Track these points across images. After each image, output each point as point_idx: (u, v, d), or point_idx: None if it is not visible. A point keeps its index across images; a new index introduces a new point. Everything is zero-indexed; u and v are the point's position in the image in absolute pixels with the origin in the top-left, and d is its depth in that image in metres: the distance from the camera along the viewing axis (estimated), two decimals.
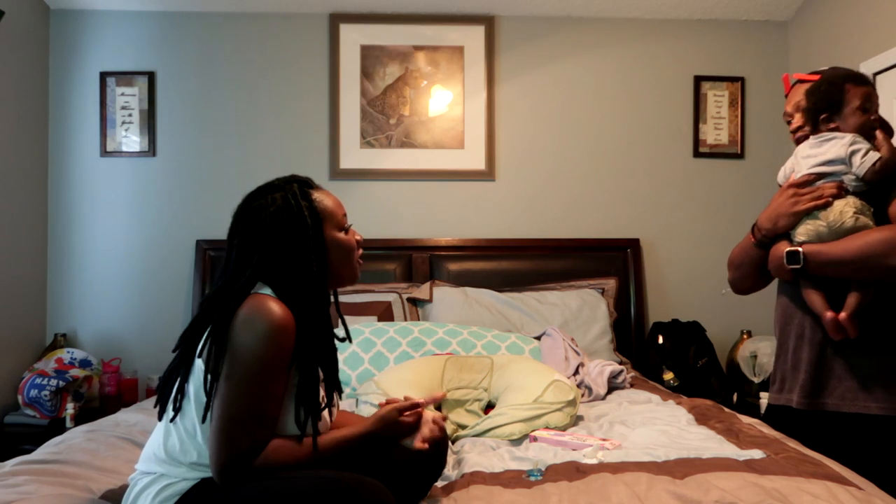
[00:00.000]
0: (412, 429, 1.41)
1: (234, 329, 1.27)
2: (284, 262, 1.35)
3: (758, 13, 3.45)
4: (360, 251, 1.48)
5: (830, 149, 1.66)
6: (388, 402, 1.45)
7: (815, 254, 1.62)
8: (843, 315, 1.60)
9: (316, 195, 1.42)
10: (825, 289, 1.65)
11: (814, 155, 1.69)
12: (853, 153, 1.62)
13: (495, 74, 3.42)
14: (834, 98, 1.69)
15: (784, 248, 1.67)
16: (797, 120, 1.81)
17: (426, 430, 1.41)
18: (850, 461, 1.59)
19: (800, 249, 1.64)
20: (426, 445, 1.39)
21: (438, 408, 2.20)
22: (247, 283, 1.33)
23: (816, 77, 1.78)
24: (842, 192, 1.63)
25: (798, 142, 1.81)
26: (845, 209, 1.61)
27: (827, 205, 1.63)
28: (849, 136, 1.65)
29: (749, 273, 1.84)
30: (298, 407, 1.32)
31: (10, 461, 1.66)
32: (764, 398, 2.87)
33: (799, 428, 1.76)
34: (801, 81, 1.83)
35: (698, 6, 3.40)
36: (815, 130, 1.73)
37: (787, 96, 1.89)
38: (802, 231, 1.66)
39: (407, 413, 1.40)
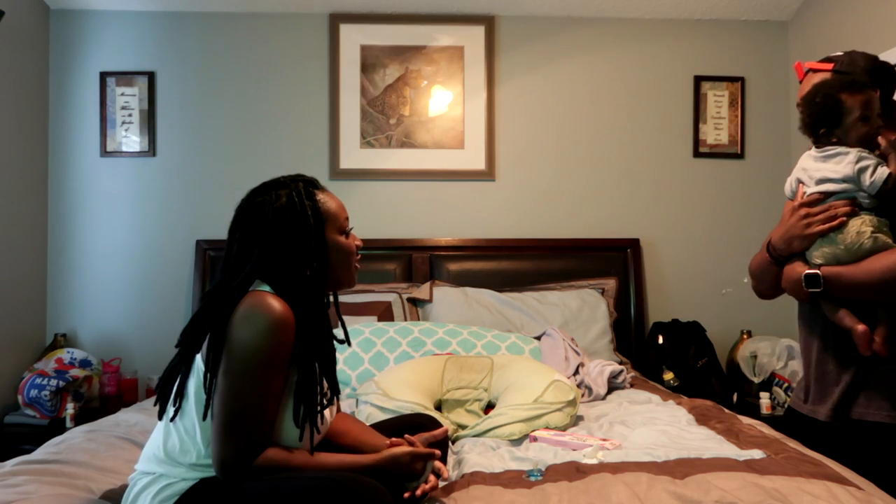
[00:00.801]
0: (418, 475, 1.41)
1: (233, 325, 1.27)
2: (284, 261, 1.35)
3: (758, 13, 3.45)
4: (359, 256, 1.48)
5: (836, 167, 1.59)
6: (395, 444, 1.44)
7: (836, 277, 1.55)
8: (876, 341, 1.54)
9: (320, 196, 1.42)
10: (847, 305, 1.58)
11: (819, 170, 1.62)
12: (861, 171, 1.55)
13: (495, 74, 3.42)
14: (831, 111, 1.60)
15: (800, 269, 1.61)
16: None
17: (423, 481, 1.41)
18: (878, 471, 1.55)
19: (819, 273, 1.57)
20: (409, 495, 1.39)
21: (439, 408, 2.20)
22: (246, 279, 1.33)
23: (830, 66, 1.70)
24: (854, 209, 1.56)
25: None
26: (862, 229, 1.54)
27: (841, 225, 1.56)
28: (853, 153, 1.58)
29: (771, 284, 1.78)
30: (298, 405, 1.32)
31: (10, 461, 1.66)
32: (764, 398, 2.87)
33: (825, 440, 1.69)
34: (814, 70, 1.75)
35: (698, 6, 3.40)
36: (818, 142, 1.66)
37: (801, 82, 1.81)
38: (819, 254, 1.59)
39: (419, 461, 1.40)
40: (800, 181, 1.69)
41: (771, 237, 1.72)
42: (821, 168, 1.62)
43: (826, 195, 1.61)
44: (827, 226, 1.57)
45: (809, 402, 1.72)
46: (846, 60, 1.71)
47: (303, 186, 1.40)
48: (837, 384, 1.63)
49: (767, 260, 1.73)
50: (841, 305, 1.58)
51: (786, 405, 2.63)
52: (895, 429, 1.56)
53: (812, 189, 1.63)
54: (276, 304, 1.28)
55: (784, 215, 1.71)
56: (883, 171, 1.54)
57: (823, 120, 1.61)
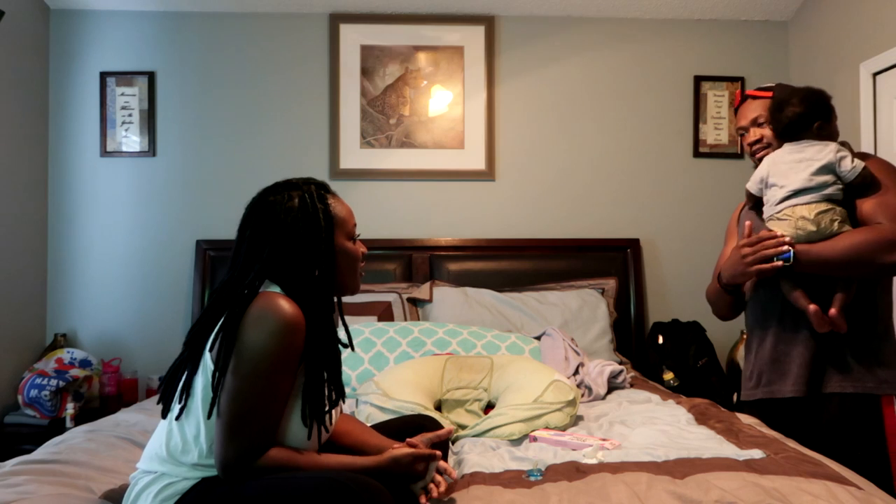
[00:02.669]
0: (420, 476, 1.41)
1: (245, 325, 1.27)
2: (294, 262, 1.35)
3: (758, 13, 3.45)
4: (363, 263, 1.49)
5: (817, 154, 1.79)
6: (402, 445, 1.45)
7: (805, 252, 1.74)
8: (832, 311, 1.72)
9: (331, 200, 1.42)
10: (803, 285, 1.78)
11: (798, 160, 1.80)
12: (842, 159, 1.77)
13: (495, 74, 3.42)
14: (827, 107, 1.84)
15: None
16: (753, 134, 1.95)
17: (430, 483, 1.42)
18: (858, 438, 1.76)
19: (791, 249, 1.75)
20: (434, 495, 1.40)
21: (438, 408, 2.20)
22: (256, 278, 1.33)
23: (769, 94, 1.93)
24: (784, 244, 1.75)
25: (754, 154, 1.96)
26: (834, 217, 1.75)
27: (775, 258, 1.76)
28: (833, 144, 1.81)
29: (725, 307, 2.04)
30: (305, 406, 1.32)
31: (10, 461, 1.66)
32: None
33: (793, 416, 1.87)
34: (753, 97, 1.97)
35: (698, 6, 3.40)
36: (796, 137, 1.84)
37: (736, 109, 2.04)
38: (793, 234, 1.77)
39: (420, 462, 1.40)
40: (768, 173, 1.86)
41: (721, 268, 1.95)
42: (801, 158, 1.80)
43: (793, 194, 1.78)
44: (759, 267, 1.77)
45: (764, 383, 1.89)
46: (780, 89, 1.95)
47: (315, 189, 1.41)
48: (795, 360, 1.81)
49: (718, 288, 1.98)
50: (799, 286, 1.78)
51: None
52: (870, 398, 1.76)
53: (791, 182, 1.79)
54: (287, 306, 1.28)
55: (732, 253, 1.90)
56: (859, 162, 1.77)
57: (821, 114, 1.82)
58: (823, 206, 1.75)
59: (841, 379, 1.78)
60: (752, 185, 1.92)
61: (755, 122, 1.95)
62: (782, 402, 1.87)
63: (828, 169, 1.77)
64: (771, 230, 1.80)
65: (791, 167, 1.80)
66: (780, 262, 1.75)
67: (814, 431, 1.82)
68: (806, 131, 1.83)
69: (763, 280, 1.87)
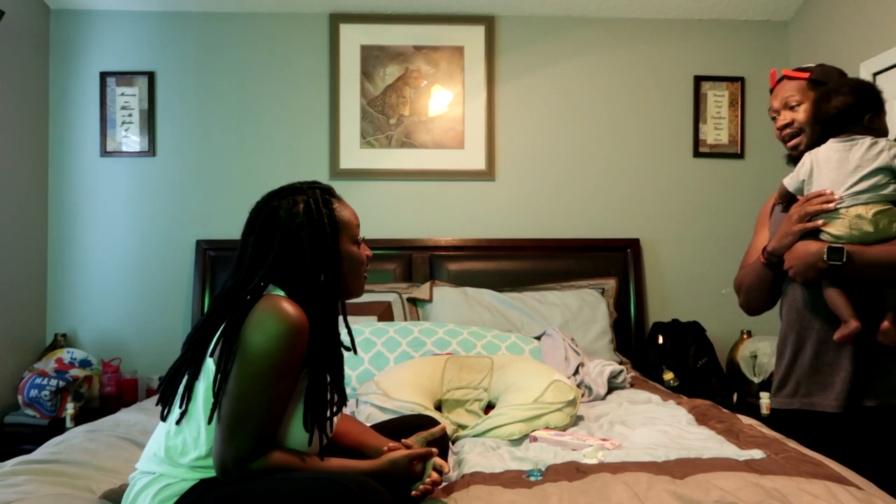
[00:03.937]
0: (418, 477, 1.40)
1: (248, 328, 1.27)
2: (299, 267, 1.35)
3: (758, 13, 3.45)
4: (368, 266, 1.48)
5: (868, 152, 1.65)
6: (393, 449, 1.44)
7: (860, 253, 1.61)
8: (885, 325, 1.61)
9: (336, 205, 1.42)
10: (847, 293, 1.65)
11: (846, 159, 1.67)
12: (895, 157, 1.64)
13: (495, 74, 3.42)
14: (879, 100, 1.70)
15: (815, 246, 1.65)
16: (783, 117, 1.83)
17: (427, 478, 1.41)
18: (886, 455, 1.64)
19: (844, 247, 1.62)
20: (417, 493, 1.40)
21: (439, 408, 2.20)
22: (260, 282, 1.33)
23: (806, 74, 1.81)
24: (830, 204, 1.65)
25: (785, 139, 1.84)
26: (893, 219, 1.63)
27: (830, 214, 1.65)
28: (882, 141, 1.66)
29: (762, 293, 1.86)
30: (307, 410, 1.32)
31: (10, 461, 1.66)
32: (765, 398, 2.87)
33: (834, 431, 1.73)
34: (790, 78, 1.84)
35: (698, 6, 3.40)
36: (842, 130, 1.70)
37: (772, 91, 1.90)
38: (846, 234, 1.64)
39: (417, 462, 1.40)
40: (811, 171, 1.72)
41: (767, 246, 1.79)
42: (849, 157, 1.66)
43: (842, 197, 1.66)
44: (803, 226, 1.67)
45: (801, 394, 1.76)
46: (819, 71, 1.82)
47: (320, 194, 1.40)
48: (839, 374, 1.69)
49: (760, 265, 1.80)
50: (845, 293, 1.64)
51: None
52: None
53: (843, 179, 1.67)
54: (292, 309, 1.28)
55: (761, 220, 1.85)
56: None
57: (872, 106, 1.68)
58: (882, 206, 1.63)
59: (886, 391, 1.66)
60: (791, 183, 1.78)
61: (786, 105, 1.82)
62: (819, 415, 1.74)
63: (883, 169, 1.64)
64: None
65: (840, 166, 1.67)
66: (829, 261, 1.62)
67: (852, 444, 1.69)
68: (855, 124, 1.69)
69: (800, 286, 1.75)
